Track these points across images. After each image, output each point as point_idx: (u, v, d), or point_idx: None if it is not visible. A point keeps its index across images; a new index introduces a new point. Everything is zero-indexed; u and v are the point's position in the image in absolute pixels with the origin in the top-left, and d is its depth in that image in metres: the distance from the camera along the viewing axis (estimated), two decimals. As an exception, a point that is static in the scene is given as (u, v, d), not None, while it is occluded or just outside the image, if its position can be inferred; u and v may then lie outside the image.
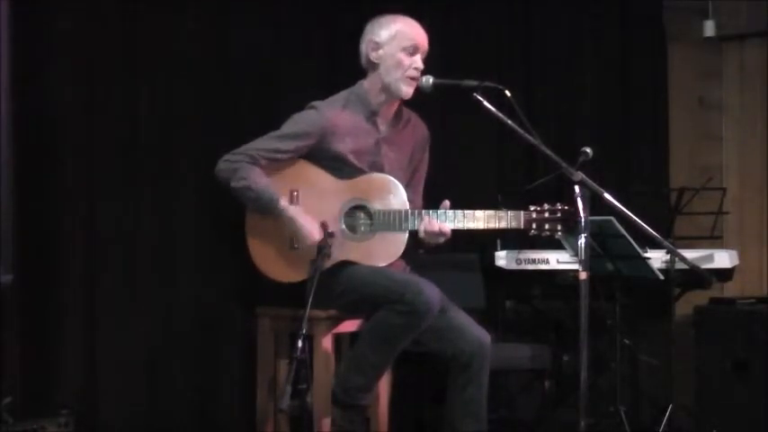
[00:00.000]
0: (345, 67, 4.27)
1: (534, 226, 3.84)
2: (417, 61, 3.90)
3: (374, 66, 3.93)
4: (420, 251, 3.97)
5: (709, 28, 5.64)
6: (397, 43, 3.90)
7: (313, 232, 3.75)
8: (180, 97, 4.35)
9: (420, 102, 3.99)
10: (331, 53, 4.71)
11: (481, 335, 3.86)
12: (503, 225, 3.86)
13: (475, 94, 3.63)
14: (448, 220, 3.84)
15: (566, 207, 3.80)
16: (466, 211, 3.86)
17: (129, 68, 4.23)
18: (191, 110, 4.37)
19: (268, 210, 3.83)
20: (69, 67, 4.08)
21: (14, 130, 3.72)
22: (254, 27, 4.52)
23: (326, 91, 4.05)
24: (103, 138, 4.17)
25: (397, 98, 3.95)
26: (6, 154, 3.64)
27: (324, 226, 3.63)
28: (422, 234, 3.83)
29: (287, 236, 3.86)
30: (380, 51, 3.92)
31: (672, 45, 5.81)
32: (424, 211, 3.86)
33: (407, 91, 3.91)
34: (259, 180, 3.82)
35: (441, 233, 3.82)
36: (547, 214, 3.83)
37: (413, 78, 3.88)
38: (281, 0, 4.59)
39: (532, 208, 3.84)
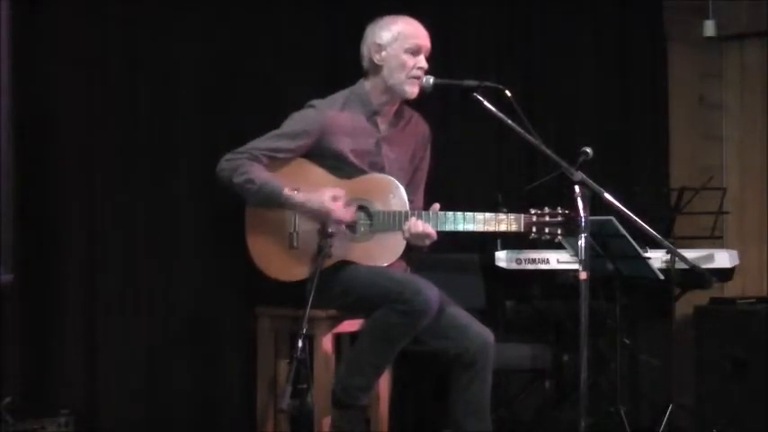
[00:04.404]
0: (345, 67, 4.28)
1: (534, 229, 3.81)
2: (421, 61, 3.89)
3: (377, 68, 3.92)
4: (411, 255, 3.96)
5: (709, 28, 5.64)
6: (400, 44, 3.89)
7: (322, 196, 3.75)
8: (180, 97, 4.35)
9: (420, 102, 3.99)
10: (331, 53, 4.71)
11: (485, 333, 3.85)
12: (503, 228, 3.84)
13: (475, 94, 3.63)
14: (448, 222, 3.83)
15: (566, 211, 3.77)
16: (466, 213, 3.85)
17: (129, 68, 4.23)
18: (191, 110, 4.37)
19: (272, 200, 3.82)
20: (69, 67, 4.08)
21: (14, 131, 3.72)
22: (255, 27, 4.52)
23: (326, 91, 4.04)
24: (103, 138, 4.17)
25: (402, 99, 3.95)
26: (6, 154, 3.64)
27: (323, 226, 3.63)
28: (406, 235, 3.82)
29: (286, 234, 3.86)
30: (383, 53, 3.91)
31: (672, 45, 5.81)
32: (424, 213, 3.85)
33: (412, 91, 3.90)
34: (260, 173, 3.81)
35: (426, 235, 3.80)
36: (547, 218, 3.81)
37: (417, 78, 3.87)
38: (281, 0, 4.59)
39: (533, 211, 3.82)
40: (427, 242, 3.83)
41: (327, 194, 3.78)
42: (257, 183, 3.80)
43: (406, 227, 3.80)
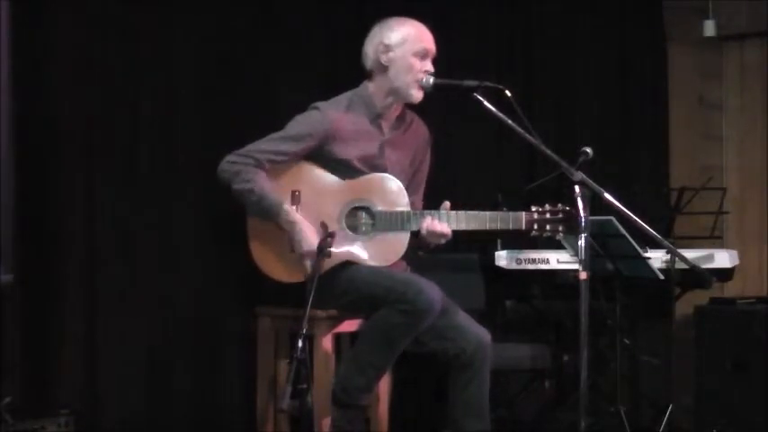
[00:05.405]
0: (345, 67, 4.27)
1: (536, 227, 3.84)
2: (427, 65, 3.89)
3: (383, 68, 3.91)
4: (420, 252, 3.97)
5: (710, 28, 5.64)
6: (409, 47, 3.88)
7: (310, 241, 3.74)
8: (180, 97, 4.35)
9: (420, 102, 3.98)
10: (331, 53, 4.71)
11: (482, 333, 3.86)
12: (504, 226, 3.86)
13: (475, 94, 3.63)
14: (450, 220, 3.84)
15: (567, 208, 3.79)
16: (468, 212, 3.86)
17: (129, 68, 4.23)
18: (191, 110, 4.37)
19: (269, 214, 3.82)
20: (69, 68, 4.08)
21: (14, 130, 3.72)
22: (255, 27, 4.52)
23: (327, 91, 4.04)
24: (103, 138, 4.17)
25: (406, 102, 3.94)
26: (6, 154, 3.64)
27: (324, 226, 3.63)
28: (424, 233, 3.83)
29: (287, 236, 3.85)
30: (391, 54, 3.90)
31: (672, 45, 5.81)
32: (426, 212, 3.86)
33: (417, 95, 3.89)
34: (263, 184, 3.81)
35: (442, 234, 3.82)
36: (548, 215, 3.83)
37: (419, 81, 3.87)
38: (282, 0, 4.59)
39: (534, 209, 3.84)
40: (442, 241, 3.84)
41: (316, 238, 3.72)
42: (258, 194, 3.79)
43: (423, 224, 3.80)
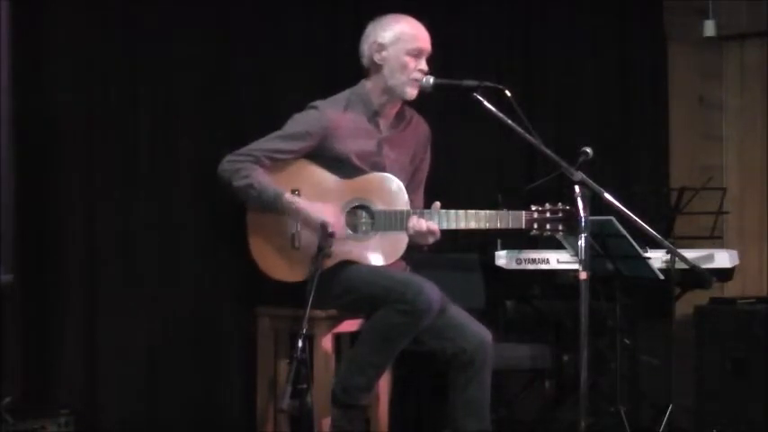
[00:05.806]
0: (345, 67, 4.27)
1: (535, 226, 3.84)
2: (422, 64, 3.89)
3: (378, 67, 3.92)
4: (411, 254, 3.96)
5: (710, 28, 5.63)
6: (402, 46, 3.89)
7: (325, 212, 3.74)
8: (180, 97, 4.35)
9: (420, 102, 3.99)
10: (331, 53, 4.71)
11: (482, 332, 3.86)
12: (503, 225, 3.86)
13: (475, 94, 3.64)
14: (449, 220, 3.84)
15: (567, 207, 3.80)
16: (468, 211, 3.86)
17: (129, 69, 4.23)
18: (191, 110, 4.37)
19: (272, 206, 3.81)
20: (69, 68, 4.08)
21: (14, 130, 3.72)
22: (255, 27, 4.52)
23: (326, 91, 4.04)
24: (103, 138, 4.17)
25: (401, 99, 3.95)
26: (6, 154, 3.64)
27: (324, 226, 3.63)
28: (410, 233, 3.82)
29: (288, 235, 3.86)
30: (384, 53, 3.90)
31: (672, 45, 5.81)
32: (426, 211, 3.86)
33: (412, 93, 3.90)
34: (262, 178, 3.81)
35: (429, 232, 3.82)
36: (548, 214, 3.84)
37: (416, 80, 3.87)
38: (282, 0, 4.59)
39: (533, 208, 3.84)
40: (431, 240, 3.84)
41: (329, 210, 3.77)
42: (257, 188, 3.79)
43: (410, 224, 3.80)
